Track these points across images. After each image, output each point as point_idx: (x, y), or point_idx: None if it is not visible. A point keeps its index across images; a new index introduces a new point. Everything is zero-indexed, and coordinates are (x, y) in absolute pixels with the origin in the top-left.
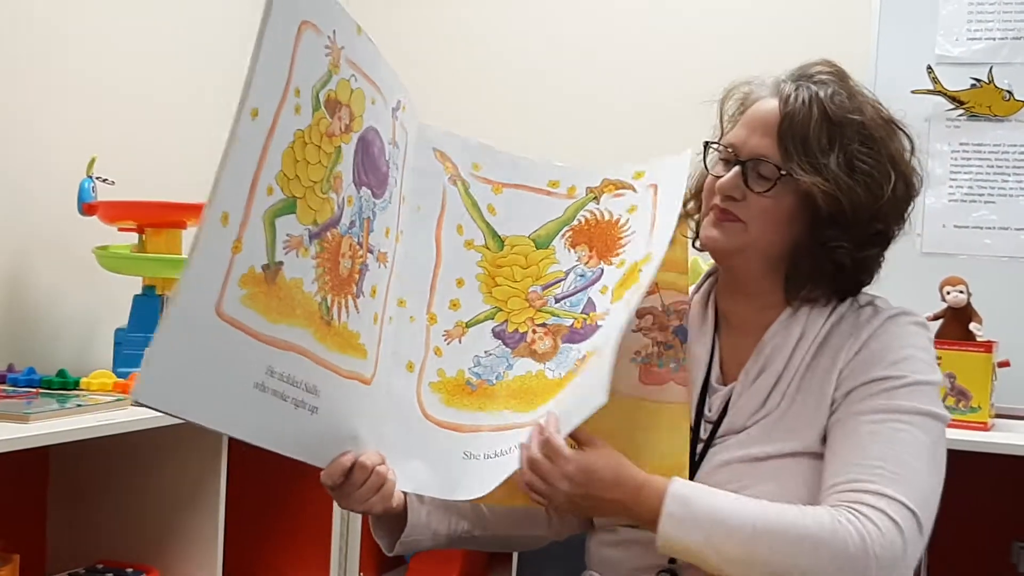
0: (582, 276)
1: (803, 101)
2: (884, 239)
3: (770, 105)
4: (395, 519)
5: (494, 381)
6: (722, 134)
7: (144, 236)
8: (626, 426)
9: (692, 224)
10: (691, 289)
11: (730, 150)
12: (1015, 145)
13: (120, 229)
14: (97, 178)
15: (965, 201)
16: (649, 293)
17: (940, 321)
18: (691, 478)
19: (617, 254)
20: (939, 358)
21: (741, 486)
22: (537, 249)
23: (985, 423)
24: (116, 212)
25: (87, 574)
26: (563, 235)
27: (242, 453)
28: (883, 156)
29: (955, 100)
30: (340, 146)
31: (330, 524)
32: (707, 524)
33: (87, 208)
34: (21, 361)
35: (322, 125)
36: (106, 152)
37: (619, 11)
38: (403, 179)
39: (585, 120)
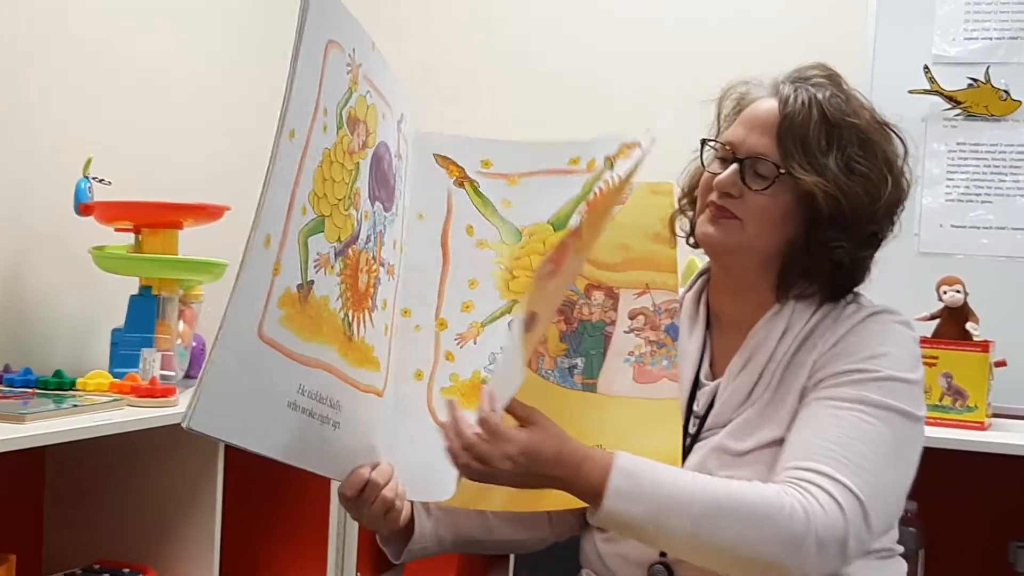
0: None
1: (802, 103)
2: (877, 241)
3: (768, 105)
4: (402, 529)
5: None
6: (719, 132)
7: (140, 236)
8: (622, 425)
9: (686, 221)
10: (683, 288)
11: (728, 148)
12: (1012, 145)
13: (116, 229)
14: (93, 178)
15: (962, 201)
16: (640, 293)
17: (937, 321)
18: None
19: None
20: (935, 358)
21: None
22: (556, 232)
23: (982, 423)
24: (112, 212)
25: (84, 574)
26: (580, 211)
27: (239, 453)
28: (879, 159)
29: (952, 100)
30: (359, 162)
31: (327, 524)
32: (652, 499)
33: (83, 208)
34: (17, 361)
35: (345, 142)
36: (102, 152)
37: (619, 11)
38: (405, 190)
39: (585, 120)
